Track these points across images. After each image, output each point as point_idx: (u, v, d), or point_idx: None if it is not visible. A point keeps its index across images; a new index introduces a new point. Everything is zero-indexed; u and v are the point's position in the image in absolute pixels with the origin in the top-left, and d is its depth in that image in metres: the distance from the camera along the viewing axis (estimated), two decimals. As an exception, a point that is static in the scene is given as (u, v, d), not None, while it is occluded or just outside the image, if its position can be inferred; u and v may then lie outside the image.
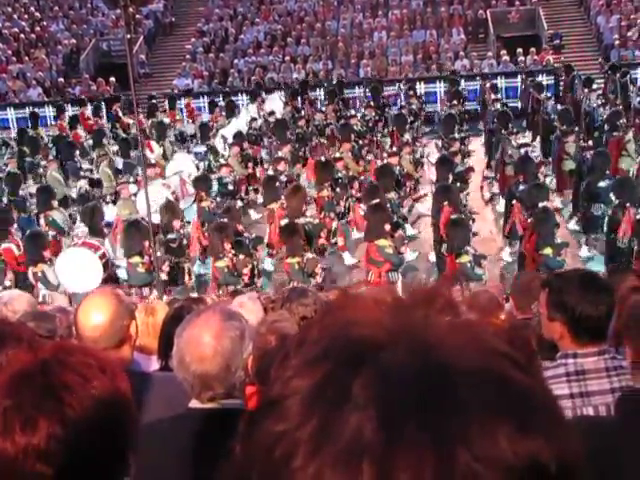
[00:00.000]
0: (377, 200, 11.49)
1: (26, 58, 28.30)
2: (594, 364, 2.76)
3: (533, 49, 25.80)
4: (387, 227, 10.86)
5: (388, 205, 11.91)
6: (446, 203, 11.43)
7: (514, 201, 12.00)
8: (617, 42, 25.60)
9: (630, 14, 26.71)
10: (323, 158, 14.94)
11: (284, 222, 11.80)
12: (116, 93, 25.02)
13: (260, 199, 16.03)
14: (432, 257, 12.61)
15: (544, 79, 23.31)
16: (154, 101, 23.21)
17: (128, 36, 10.83)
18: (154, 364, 4.20)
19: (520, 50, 25.68)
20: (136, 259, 10.93)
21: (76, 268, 10.41)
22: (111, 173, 16.48)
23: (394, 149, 15.57)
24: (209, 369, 2.35)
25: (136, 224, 11.19)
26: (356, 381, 0.60)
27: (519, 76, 24.20)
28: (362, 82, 24.59)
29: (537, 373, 0.65)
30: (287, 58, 27.15)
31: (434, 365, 0.61)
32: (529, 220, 10.98)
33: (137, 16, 29.10)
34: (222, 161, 16.14)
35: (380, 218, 10.84)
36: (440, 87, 24.19)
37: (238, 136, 17.17)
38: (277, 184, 13.86)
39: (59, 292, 10.78)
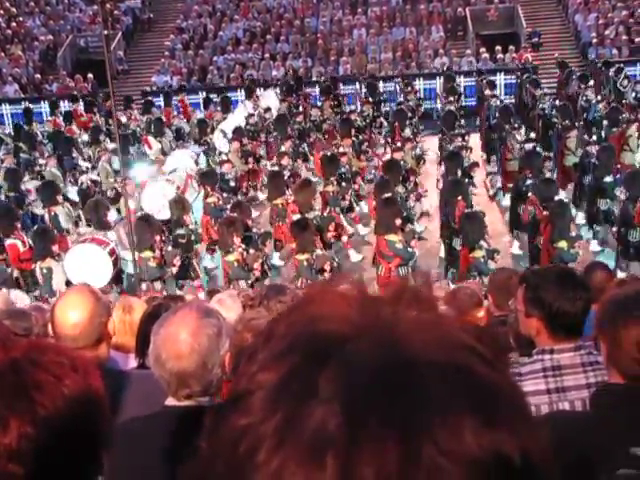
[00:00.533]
0: (388, 194, 11.52)
1: (2, 54, 28.05)
2: (570, 360, 2.78)
3: (512, 47, 25.94)
4: (398, 222, 10.85)
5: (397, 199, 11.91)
6: (460, 198, 11.48)
7: (530, 194, 12.01)
8: (595, 40, 25.78)
9: (607, 12, 26.92)
10: (329, 153, 14.98)
11: (295, 217, 11.81)
12: (94, 90, 24.87)
13: (260, 195, 16.12)
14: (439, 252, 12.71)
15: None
16: (150, 98, 23.21)
17: (105, 32, 10.75)
18: (132, 362, 4.18)
19: (499, 48, 25.81)
20: (147, 253, 10.90)
21: (85, 265, 10.31)
22: (110, 170, 16.40)
23: (398, 144, 15.61)
24: (186, 366, 2.33)
25: (147, 218, 11.18)
26: (321, 375, 0.60)
27: (498, 74, 24.33)
28: (357, 79, 24.67)
29: (504, 368, 0.65)
30: (266, 55, 27.09)
31: (400, 360, 0.61)
32: (544, 213, 10.99)
33: (115, 12, 28.96)
34: (222, 157, 16.13)
35: (391, 212, 10.82)
36: (439, 84, 24.26)
37: (238, 131, 17.15)
38: (282, 179, 13.87)
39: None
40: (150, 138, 18.95)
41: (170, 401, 2.44)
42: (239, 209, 11.74)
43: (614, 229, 12.16)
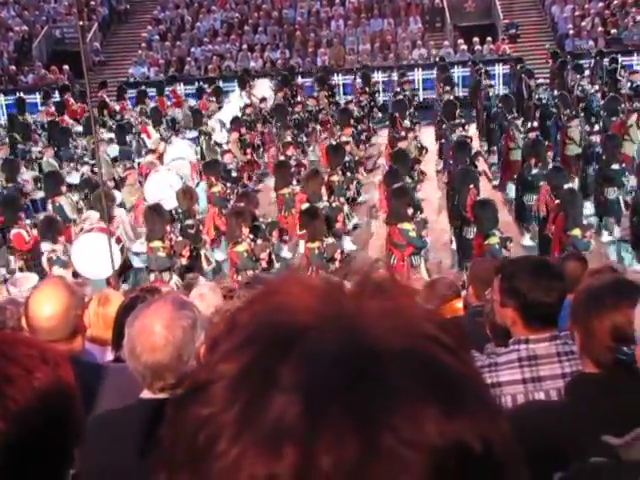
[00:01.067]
0: (400, 183, 11.54)
1: (-24, 46, 27.78)
2: (546, 349, 2.79)
3: (489, 38, 26.02)
4: (410, 210, 10.86)
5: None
6: (472, 186, 11.51)
7: (542, 183, 12.03)
8: (571, 32, 25.92)
9: (584, 4, 27.05)
10: (334, 142, 14.98)
11: (305, 206, 11.78)
12: (70, 81, 24.65)
13: (259, 186, 16.11)
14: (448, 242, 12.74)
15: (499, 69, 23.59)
16: (144, 87, 23.13)
17: (81, 23, 10.63)
18: (109, 355, 4.16)
19: (477, 39, 25.87)
20: (157, 243, 10.83)
21: (92, 254, 10.14)
22: (109, 159, 16.27)
23: (402, 134, 15.59)
24: (160, 359, 2.32)
25: (157, 208, 11.08)
26: (282, 365, 0.60)
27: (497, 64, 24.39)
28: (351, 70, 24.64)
29: (467, 358, 0.65)
30: (244, 46, 26.97)
31: (361, 348, 0.61)
32: (556, 202, 11.02)
33: (91, 3, 28.68)
34: (223, 148, 16.05)
35: (403, 202, 10.83)
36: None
37: (236, 121, 17.08)
38: (288, 169, 13.83)
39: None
40: (149, 127, 18.84)
41: (145, 394, 2.43)
42: (246, 199, 11.71)
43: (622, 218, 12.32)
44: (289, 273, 0.72)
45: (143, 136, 18.64)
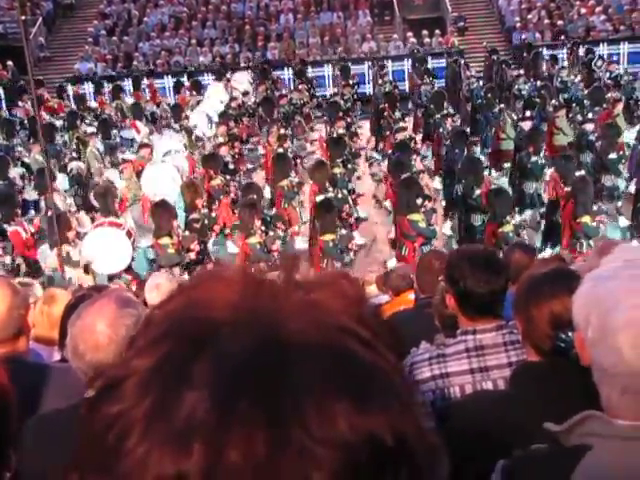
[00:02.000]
0: (408, 174, 11.57)
1: None
2: (492, 339, 2.82)
3: (438, 31, 26.20)
4: (419, 201, 10.89)
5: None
6: (485, 174, 11.73)
7: (550, 170, 12.12)
8: (518, 24, 26.25)
9: (530, -3, 27.43)
10: (334, 134, 15.03)
11: (319, 199, 11.77)
12: (14, 77, 24.20)
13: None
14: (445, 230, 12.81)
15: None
16: (118, 82, 22.99)
17: (23, 18, 10.43)
18: (56, 355, 4.09)
19: (426, 32, 26.03)
20: (166, 240, 10.75)
21: (105, 249, 10.10)
22: (99, 155, 15.98)
23: (401, 124, 15.72)
24: (104, 358, 2.28)
25: (163, 204, 10.98)
26: (195, 361, 0.59)
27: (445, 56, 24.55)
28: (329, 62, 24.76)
29: (383, 349, 0.64)
30: (193, 41, 26.76)
31: (275, 344, 0.60)
32: (566, 189, 11.13)
33: (35, -3, 28.18)
34: (205, 141, 15.92)
35: (412, 192, 10.87)
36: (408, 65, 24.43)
37: (224, 115, 17.00)
38: (287, 161, 13.81)
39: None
40: (138, 122, 18.68)
41: (90, 393, 2.38)
42: (251, 191, 11.71)
43: (619, 204, 12.54)
44: (212, 268, 0.71)
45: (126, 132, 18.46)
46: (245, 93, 19.99)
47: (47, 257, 10.85)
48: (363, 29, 27.15)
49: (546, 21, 26.41)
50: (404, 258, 10.72)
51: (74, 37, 28.13)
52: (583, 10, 26.48)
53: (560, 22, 26.42)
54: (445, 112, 16.45)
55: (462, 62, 21.67)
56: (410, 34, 26.15)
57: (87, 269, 10.34)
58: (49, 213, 11.82)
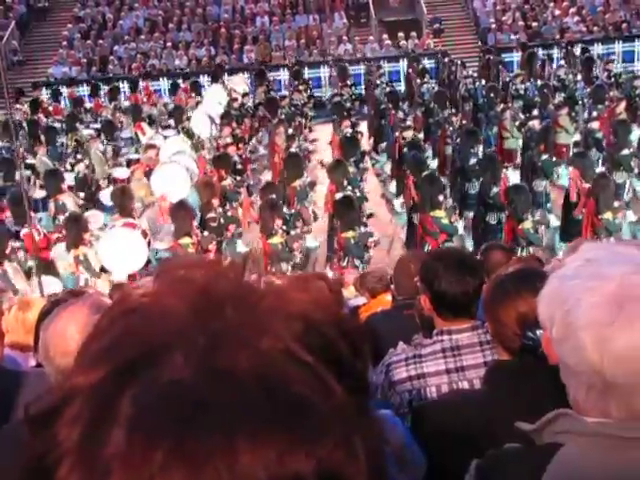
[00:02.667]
0: (429, 171, 11.63)
1: None
2: (469, 339, 2.83)
3: (414, 33, 26.30)
4: (441, 198, 10.93)
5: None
6: (505, 171, 11.81)
7: (570, 168, 12.15)
8: (493, 26, 26.41)
9: (505, -1, 27.63)
10: (348, 134, 15.01)
11: (339, 196, 11.76)
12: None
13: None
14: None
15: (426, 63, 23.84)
16: (116, 84, 22.90)
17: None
18: (32, 361, 4.06)
19: (402, 34, 26.11)
20: (186, 240, 10.65)
21: (120, 250, 9.94)
22: (102, 156, 15.84)
23: (407, 123, 15.75)
24: (72, 364, 2.25)
25: (182, 204, 10.89)
26: (123, 393, 0.57)
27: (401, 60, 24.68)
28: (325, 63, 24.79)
29: (323, 372, 0.60)
30: (168, 44, 26.66)
31: (206, 375, 0.57)
32: (586, 186, 11.16)
33: (7, 0, 27.92)
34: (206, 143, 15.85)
35: (435, 189, 10.90)
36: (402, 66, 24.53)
37: (227, 116, 16.97)
38: (300, 161, 13.80)
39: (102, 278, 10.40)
40: (143, 124, 18.46)
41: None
42: (273, 191, 11.73)
43: (626, 199, 12.60)
44: (168, 273, 0.68)
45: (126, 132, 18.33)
46: (245, 94, 20.03)
47: (62, 259, 10.72)
48: (339, 31, 27.20)
49: (520, 23, 26.60)
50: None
51: (48, 41, 27.91)
52: (557, 11, 26.70)
53: (534, 24, 26.62)
54: (451, 111, 16.58)
55: (459, 62, 21.78)
56: (386, 36, 26.23)
57: (103, 270, 10.31)
58: (60, 215, 11.86)
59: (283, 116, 17.74)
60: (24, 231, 11.04)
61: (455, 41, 26.51)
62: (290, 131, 16.01)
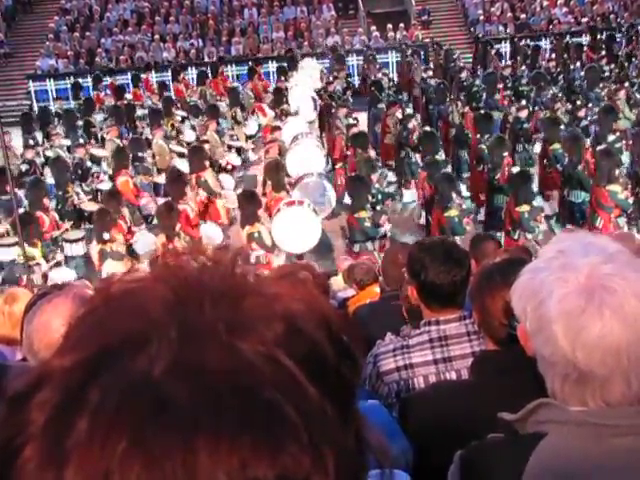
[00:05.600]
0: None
1: None
2: (456, 329, 2.83)
3: (402, 25, 26.26)
4: (617, 172, 10.98)
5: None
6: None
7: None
8: (482, 17, 26.41)
9: (493, -10, 27.63)
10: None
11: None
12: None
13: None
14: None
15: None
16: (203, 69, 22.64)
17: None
18: (18, 355, 4.03)
19: (390, 26, 26.08)
20: (363, 214, 10.94)
21: (293, 229, 10.17)
22: (218, 138, 15.87)
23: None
24: (58, 356, 2.24)
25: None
26: (95, 382, 0.56)
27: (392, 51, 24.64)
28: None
29: (299, 377, 0.59)
30: (156, 37, 26.54)
31: (174, 371, 0.56)
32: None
33: (-8, -8, 27.77)
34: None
35: (612, 164, 10.93)
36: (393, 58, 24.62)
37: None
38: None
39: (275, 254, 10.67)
40: (264, 105, 18.33)
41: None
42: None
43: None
44: (162, 260, 0.67)
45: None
46: (335, 78, 20.10)
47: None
48: (327, 23, 27.14)
49: (509, 14, 26.61)
50: (595, 228, 10.74)
51: (34, 33, 27.74)
52: (545, 2, 26.73)
53: (523, 15, 26.64)
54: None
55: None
56: (374, 28, 26.18)
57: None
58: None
59: (391, 98, 17.55)
60: (181, 207, 11.21)
61: (445, 33, 26.48)
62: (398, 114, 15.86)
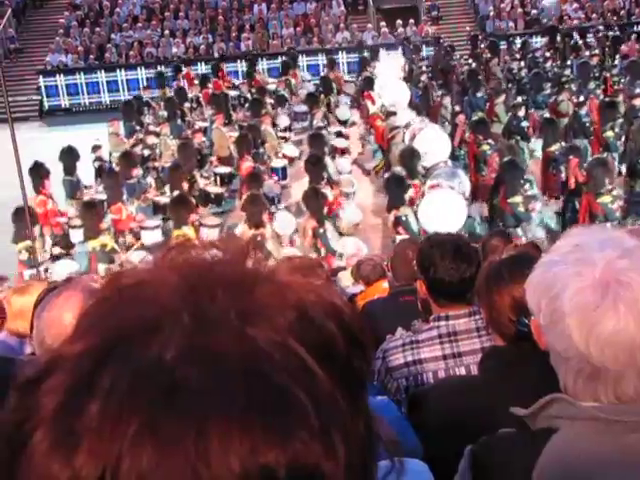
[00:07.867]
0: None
1: None
2: (465, 325, 2.82)
3: (412, 20, 26.20)
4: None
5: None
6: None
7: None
8: (492, 13, 26.33)
9: (503, -14, 27.53)
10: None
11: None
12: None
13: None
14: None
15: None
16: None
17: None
18: (28, 348, 4.05)
19: (400, 22, 26.02)
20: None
21: (442, 210, 10.28)
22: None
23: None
24: (71, 350, 2.24)
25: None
26: (105, 367, 0.57)
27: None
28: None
29: (310, 364, 0.59)
30: (166, 32, 26.56)
31: (189, 356, 0.57)
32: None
33: (3, -12, 27.81)
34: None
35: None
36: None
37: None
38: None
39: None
40: (372, 93, 18.01)
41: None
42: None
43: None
44: (176, 250, 0.67)
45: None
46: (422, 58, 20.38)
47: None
48: (337, 19, 27.09)
49: (519, 10, 26.53)
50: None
51: (45, 29, 27.81)
52: (556, -2, 26.64)
53: (533, 11, 26.55)
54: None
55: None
56: (384, 23, 26.12)
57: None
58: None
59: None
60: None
61: (454, 28, 26.41)
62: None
